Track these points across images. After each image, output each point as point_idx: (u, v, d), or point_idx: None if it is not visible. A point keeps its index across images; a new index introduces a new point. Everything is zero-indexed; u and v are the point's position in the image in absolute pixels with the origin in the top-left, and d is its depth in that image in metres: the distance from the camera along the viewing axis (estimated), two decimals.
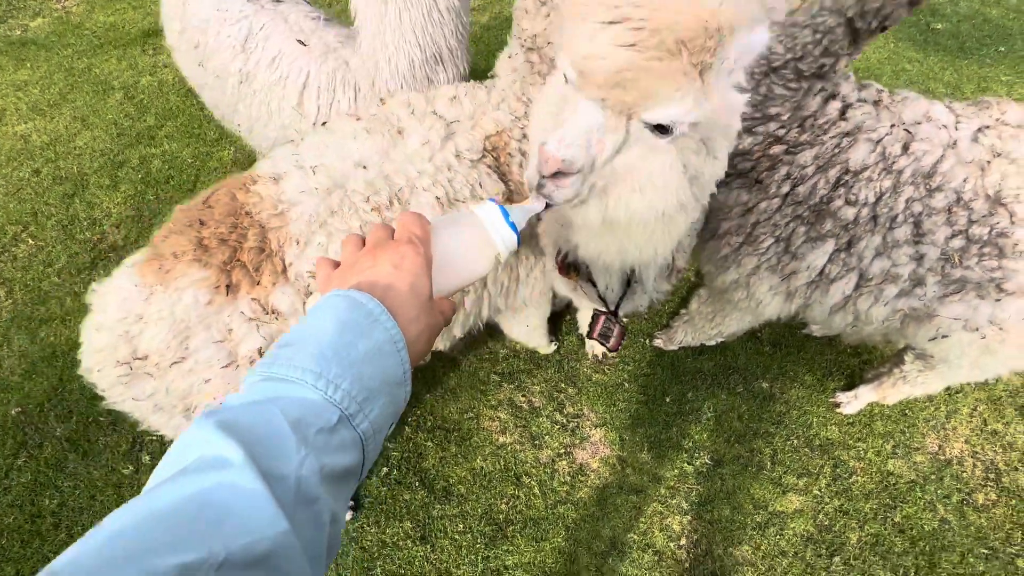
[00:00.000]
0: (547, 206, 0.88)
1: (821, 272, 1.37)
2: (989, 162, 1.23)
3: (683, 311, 2.43)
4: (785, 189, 1.31)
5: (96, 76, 3.74)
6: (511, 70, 1.50)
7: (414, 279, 0.66)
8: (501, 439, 2.32)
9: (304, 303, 1.22)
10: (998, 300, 1.28)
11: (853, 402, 2.34)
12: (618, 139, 0.84)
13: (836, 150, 1.26)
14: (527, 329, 2.17)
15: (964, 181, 1.24)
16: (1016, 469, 2.27)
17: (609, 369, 2.53)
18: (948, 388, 2.46)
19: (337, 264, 0.72)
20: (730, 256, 1.48)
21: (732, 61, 0.82)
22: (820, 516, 2.15)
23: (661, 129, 0.84)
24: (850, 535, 2.11)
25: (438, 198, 1.35)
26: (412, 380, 0.65)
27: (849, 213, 1.27)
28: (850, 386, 2.47)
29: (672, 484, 2.22)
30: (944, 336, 1.40)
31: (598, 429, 2.36)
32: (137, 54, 3.89)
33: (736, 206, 1.44)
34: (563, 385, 2.46)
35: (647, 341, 2.59)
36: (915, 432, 2.36)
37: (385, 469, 2.24)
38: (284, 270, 1.24)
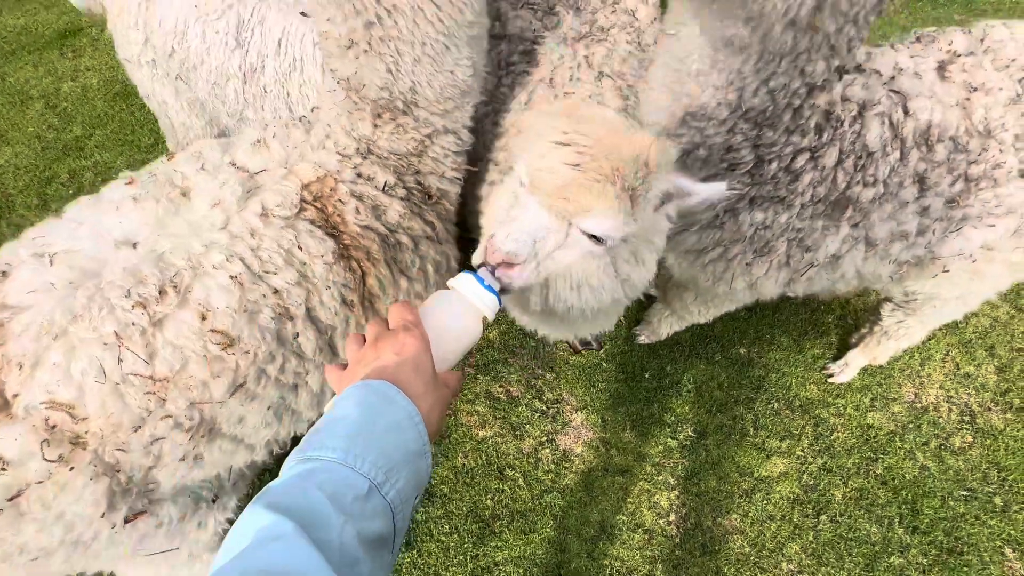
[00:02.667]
0: (502, 290, 0.95)
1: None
2: (968, 99, 1.21)
3: (657, 305, 2.35)
4: (808, 196, 1.23)
5: (11, 85, 3.44)
6: (333, 103, 1.29)
7: (417, 360, 0.73)
8: (481, 433, 2.25)
9: (42, 448, 0.94)
10: (991, 226, 1.29)
11: (845, 370, 2.33)
12: (560, 238, 0.97)
13: (855, 137, 1.19)
14: None
15: (957, 127, 1.21)
16: (989, 409, 2.31)
17: (586, 351, 2.47)
18: None
19: (345, 366, 0.78)
20: (738, 270, 1.41)
21: (660, 194, 0.99)
22: (805, 476, 2.16)
23: (596, 239, 0.97)
24: (835, 492, 2.12)
25: (235, 277, 1.06)
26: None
27: (868, 194, 1.22)
28: (828, 344, 2.47)
29: (657, 461, 2.20)
30: (946, 271, 1.39)
31: (579, 413, 2.31)
32: (55, 58, 3.59)
33: (750, 227, 1.34)
34: (540, 371, 2.40)
35: (620, 318, 2.54)
36: (891, 383, 2.38)
37: None
38: (6, 404, 0.94)
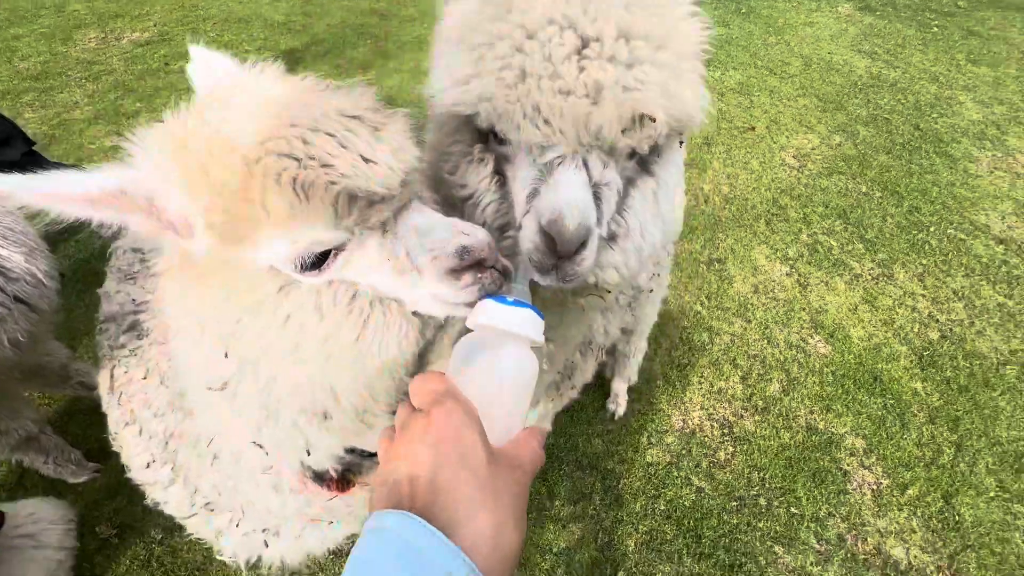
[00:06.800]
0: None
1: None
2: None
3: None
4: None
5: None
6: None
7: (459, 444, 0.55)
8: None
9: None
10: None
11: (618, 400, 2.52)
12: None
13: None
14: None
15: None
16: (741, 417, 2.61)
17: None
18: (678, 364, 2.78)
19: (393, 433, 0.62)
20: None
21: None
22: (600, 535, 2.21)
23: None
24: (628, 542, 2.19)
25: None
26: None
27: None
28: (601, 392, 2.65)
29: None
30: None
31: None
32: None
33: None
34: None
35: None
36: (661, 416, 2.60)
37: None
38: None
